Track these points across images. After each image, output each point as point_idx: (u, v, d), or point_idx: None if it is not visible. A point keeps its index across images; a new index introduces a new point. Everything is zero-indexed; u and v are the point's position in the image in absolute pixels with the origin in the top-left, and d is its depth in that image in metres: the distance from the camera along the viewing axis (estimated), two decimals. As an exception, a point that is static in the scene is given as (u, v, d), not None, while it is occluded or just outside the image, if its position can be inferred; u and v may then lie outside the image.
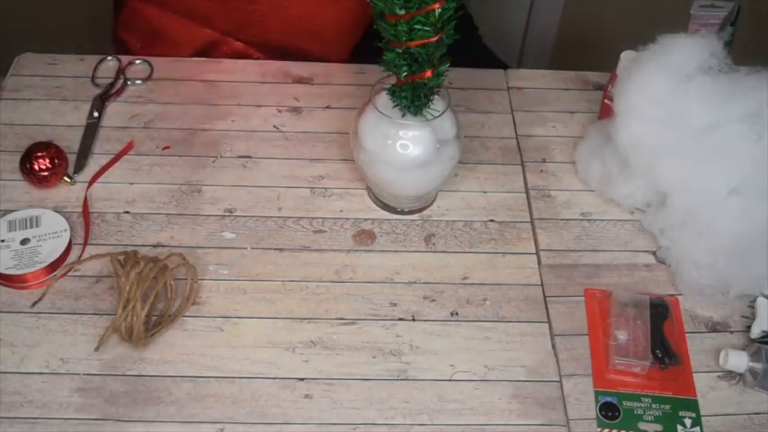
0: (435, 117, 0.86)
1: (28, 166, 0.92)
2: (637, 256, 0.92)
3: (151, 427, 0.75)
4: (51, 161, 0.92)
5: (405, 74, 0.82)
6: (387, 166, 0.88)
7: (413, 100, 0.85)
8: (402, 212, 0.94)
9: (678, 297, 0.88)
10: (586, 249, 0.93)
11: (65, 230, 0.88)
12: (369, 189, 0.96)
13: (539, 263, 0.91)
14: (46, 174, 0.92)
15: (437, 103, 0.87)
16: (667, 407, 0.79)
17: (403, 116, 0.86)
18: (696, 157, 0.88)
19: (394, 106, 0.87)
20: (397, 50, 0.81)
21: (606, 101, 1.03)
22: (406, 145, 0.87)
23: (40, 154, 0.92)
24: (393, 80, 0.86)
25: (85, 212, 0.91)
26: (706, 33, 0.98)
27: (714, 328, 0.86)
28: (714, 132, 0.87)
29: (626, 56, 0.99)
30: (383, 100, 0.88)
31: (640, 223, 0.95)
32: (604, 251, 0.93)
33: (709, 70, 0.89)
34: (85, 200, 0.93)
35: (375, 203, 0.95)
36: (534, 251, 0.92)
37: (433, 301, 0.87)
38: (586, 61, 1.13)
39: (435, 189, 0.94)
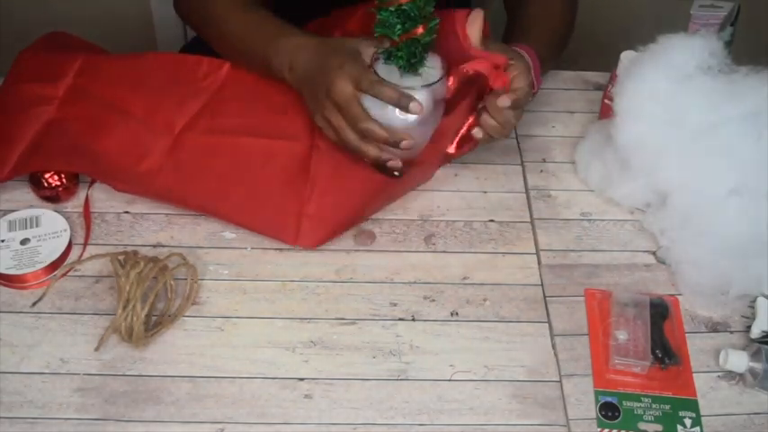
0: (436, 82, 0.87)
1: (39, 181, 0.92)
2: (637, 256, 0.92)
3: (151, 427, 0.75)
4: (59, 177, 0.92)
5: (399, 32, 0.85)
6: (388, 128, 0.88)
7: (408, 59, 0.87)
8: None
9: (678, 297, 0.88)
10: (586, 249, 0.93)
11: (65, 230, 0.88)
12: None
13: (539, 263, 0.91)
14: (60, 190, 0.92)
15: (431, 61, 0.89)
16: (667, 407, 0.79)
17: (401, 77, 0.88)
18: (696, 157, 0.88)
19: (387, 62, 0.88)
20: (390, 9, 0.84)
21: (606, 101, 1.03)
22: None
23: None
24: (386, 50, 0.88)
25: (86, 212, 0.91)
26: (706, 33, 0.98)
27: (714, 328, 0.86)
28: (714, 132, 0.87)
29: (626, 56, 0.99)
30: (380, 68, 0.89)
31: (640, 223, 0.95)
32: (604, 251, 0.93)
33: (709, 70, 0.89)
34: (86, 200, 0.93)
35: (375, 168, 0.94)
36: (534, 251, 0.92)
37: (433, 301, 0.87)
38: (586, 61, 1.13)
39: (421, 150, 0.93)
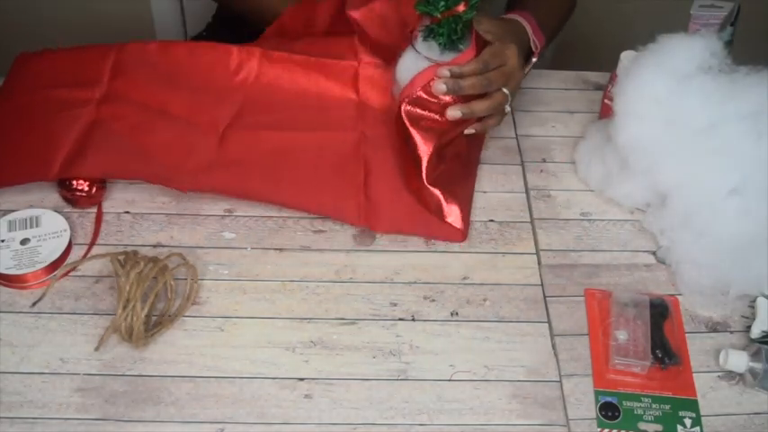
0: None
1: (68, 182, 0.91)
2: (637, 256, 0.92)
3: (151, 427, 0.75)
4: (90, 184, 0.91)
5: (442, 9, 0.85)
6: None
7: (449, 35, 0.87)
8: None
9: (678, 297, 0.88)
10: (586, 249, 0.93)
11: (65, 230, 0.88)
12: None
13: (539, 263, 0.91)
14: (80, 196, 0.91)
15: (470, 38, 0.90)
16: (667, 407, 0.79)
17: (441, 53, 0.89)
18: (696, 157, 0.88)
19: (426, 39, 0.89)
20: None
21: (606, 101, 1.03)
22: None
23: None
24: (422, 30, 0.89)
25: (99, 214, 0.91)
26: (706, 33, 0.98)
27: (714, 328, 0.86)
28: (714, 132, 0.87)
29: (626, 56, 0.99)
30: (420, 45, 0.90)
31: (640, 223, 0.95)
32: (604, 251, 0.93)
33: (709, 70, 0.89)
34: (99, 203, 0.92)
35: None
36: (534, 251, 0.92)
37: (433, 301, 0.87)
38: (586, 61, 1.13)
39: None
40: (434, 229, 0.92)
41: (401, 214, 0.93)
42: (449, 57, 0.88)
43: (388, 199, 0.93)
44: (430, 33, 0.89)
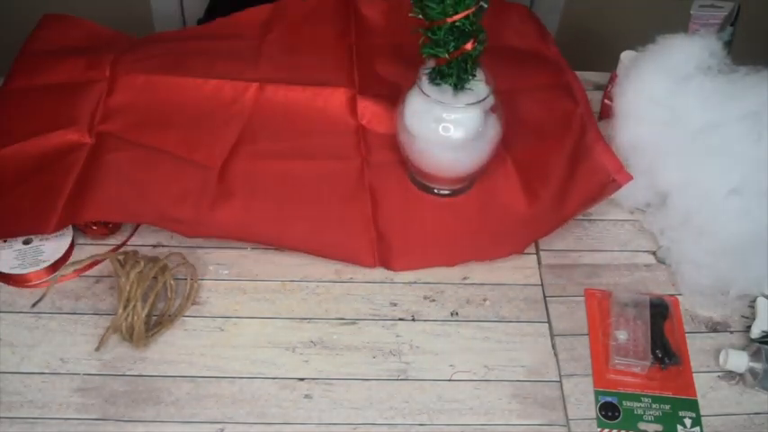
0: (484, 98, 0.86)
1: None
2: (637, 256, 0.92)
3: (151, 427, 0.75)
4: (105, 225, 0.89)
5: (451, 49, 0.83)
6: (439, 147, 0.88)
7: (459, 74, 0.86)
8: (445, 195, 0.94)
9: (678, 297, 0.88)
10: (586, 249, 0.93)
11: (67, 229, 0.88)
12: (411, 172, 0.95)
13: (539, 263, 0.91)
14: (92, 228, 0.89)
15: (478, 73, 0.88)
16: (667, 407, 0.79)
17: (455, 95, 0.87)
18: (696, 157, 0.88)
19: (434, 82, 0.87)
20: (444, 27, 0.82)
21: (606, 101, 1.03)
22: (458, 125, 0.87)
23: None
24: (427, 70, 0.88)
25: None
26: (706, 33, 0.98)
27: (714, 328, 0.86)
28: (714, 132, 0.87)
29: (626, 56, 0.99)
30: (427, 88, 0.87)
31: (640, 223, 0.95)
32: (604, 251, 0.93)
33: (708, 70, 0.90)
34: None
35: (418, 187, 0.94)
36: (534, 251, 0.92)
37: (433, 301, 0.87)
38: (586, 61, 1.13)
39: (482, 164, 0.92)
40: (467, 254, 0.90)
41: (418, 248, 0.90)
42: (463, 98, 0.86)
43: (402, 232, 0.90)
44: (438, 75, 0.86)
